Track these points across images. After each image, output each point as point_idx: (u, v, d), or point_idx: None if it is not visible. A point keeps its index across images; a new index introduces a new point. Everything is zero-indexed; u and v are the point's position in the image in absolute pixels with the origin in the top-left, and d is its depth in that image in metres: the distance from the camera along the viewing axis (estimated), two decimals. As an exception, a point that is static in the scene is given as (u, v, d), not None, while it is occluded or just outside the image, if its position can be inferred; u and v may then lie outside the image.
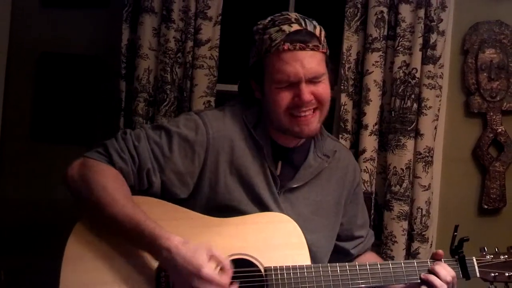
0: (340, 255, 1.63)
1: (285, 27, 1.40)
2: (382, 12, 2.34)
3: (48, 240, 2.48)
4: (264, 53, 1.41)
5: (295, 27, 1.40)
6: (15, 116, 2.67)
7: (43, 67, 2.67)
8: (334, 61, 1.48)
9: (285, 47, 1.38)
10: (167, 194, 1.44)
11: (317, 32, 1.43)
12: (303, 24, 1.42)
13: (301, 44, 1.39)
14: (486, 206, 2.45)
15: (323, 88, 1.43)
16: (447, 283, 1.43)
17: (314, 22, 1.45)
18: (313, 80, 1.41)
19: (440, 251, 1.50)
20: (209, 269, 1.25)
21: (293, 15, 1.44)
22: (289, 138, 1.51)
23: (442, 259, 1.49)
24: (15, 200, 2.61)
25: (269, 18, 1.45)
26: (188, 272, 1.25)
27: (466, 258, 1.49)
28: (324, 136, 1.58)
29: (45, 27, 2.68)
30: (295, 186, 1.52)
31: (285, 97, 1.41)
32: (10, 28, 2.68)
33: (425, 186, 2.36)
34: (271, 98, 1.43)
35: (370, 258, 1.68)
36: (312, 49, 1.40)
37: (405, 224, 2.35)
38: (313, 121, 1.44)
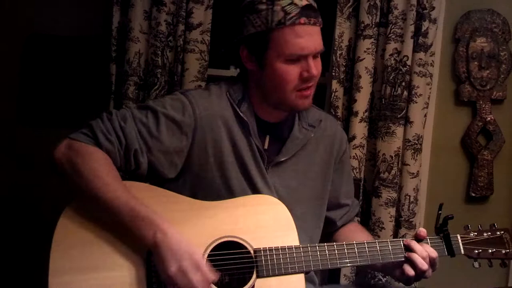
0: (325, 225, 1.65)
1: (296, 1, 1.41)
2: (374, -2, 2.33)
3: (35, 227, 2.47)
4: (276, 25, 1.40)
5: (304, 1, 1.42)
6: (1, 99, 2.63)
7: (31, 49, 2.63)
8: (325, 47, 1.49)
9: (302, 21, 1.40)
10: (154, 175, 1.45)
11: (316, 7, 1.46)
12: None
13: (314, 19, 1.42)
14: (473, 194, 2.48)
15: (320, 64, 1.48)
16: (423, 258, 1.45)
17: None
18: (316, 56, 1.45)
19: (422, 232, 1.50)
20: (201, 257, 1.30)
21: None
22: (274, 114, 1.53)
23: (428, 237, 1.51)
24: (1, 186, 2.58)
25: None
26: (181, 253, 1.28)
27: (450, 236, 1.52)
28: None
29: (33, 8, 2.64)
30: (283, 159, 1.54)
31: (294, 71, 1.43)
32: (-2, 9, 2.63)
33: (414, 173, 2.37)
34: (277, 72, 1.43)
35: (355, 230, 1.71)
36: (319, 25, 1.45)
37: (392, 211, 2.36)
38: (311, 96, 1.49)
